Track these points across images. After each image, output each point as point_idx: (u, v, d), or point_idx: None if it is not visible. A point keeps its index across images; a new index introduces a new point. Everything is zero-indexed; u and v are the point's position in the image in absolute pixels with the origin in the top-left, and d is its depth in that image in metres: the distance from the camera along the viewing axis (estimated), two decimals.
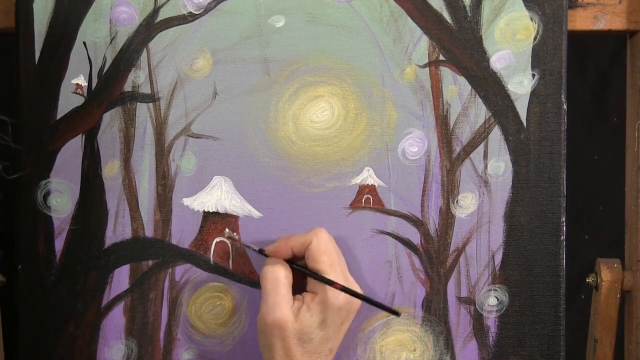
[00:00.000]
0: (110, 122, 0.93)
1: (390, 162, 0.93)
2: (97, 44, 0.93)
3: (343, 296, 0.84)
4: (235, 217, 0.94)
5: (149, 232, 0.94)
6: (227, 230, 0.92)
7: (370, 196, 0.93)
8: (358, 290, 0.87)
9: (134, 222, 0.94)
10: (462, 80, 0.93)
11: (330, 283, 0.84)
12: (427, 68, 0.93)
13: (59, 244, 0.93)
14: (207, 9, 0.93)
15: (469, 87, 0.92)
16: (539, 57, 0.92)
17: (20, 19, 0.92)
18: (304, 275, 0.87)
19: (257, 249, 0.90)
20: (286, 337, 0.83)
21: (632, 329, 0.95)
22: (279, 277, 0.85)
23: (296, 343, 0.84)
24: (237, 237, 0.92)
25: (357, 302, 0.87)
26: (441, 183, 0.93)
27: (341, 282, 0.85)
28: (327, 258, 0.85)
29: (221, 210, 0.93)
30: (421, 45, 0.93)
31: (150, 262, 0.94)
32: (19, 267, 0.93)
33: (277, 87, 0.93)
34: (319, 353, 0.84)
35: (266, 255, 0.89)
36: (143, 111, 0.94)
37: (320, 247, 0.86)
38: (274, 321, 0.83)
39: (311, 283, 0.87)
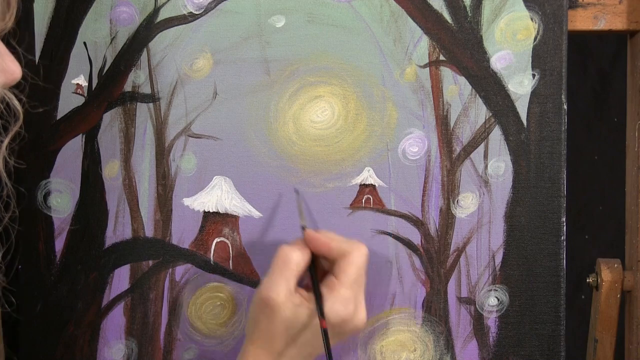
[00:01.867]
0: (111, 122, 0.93)
1: (391, 162, 0.93)
2: (98, 44, 0.93)
3: (343, 314, 0.81)
4: (235, 217, 0.94)
5: (149, 232, 0.94)
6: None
7: (370, 196, 0.93)
8: (362, 315, 0.83)
9: (134, 222, 0.94)
10: (462, 80, 0.93)
11: (320, 304, 0.81)
12: (428, 68, 0.93)
13: (59, 244, 0.93)
14: (208, 9, 0.93)
15: (470, 87, 0.92)
16: (540, 57, 0.92)
17: (21, 19, 0.92)
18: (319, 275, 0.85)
19: (302, 224, 0.87)
20: (273, 318, 0.81)
21: (633, 329, 0.95)
22: (291, 259, 0.82)
23: (281, 329, 0.81)
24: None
25: (358, 322, 0.83)
26: (441, 183, 0.93)
27: (352, 302, 0.82)
28: (355, 274, 0.82)
29: (221, 210, 0.93)
30: (421, 45, 0.93)
31: (151, 262, 0.94)
32: (19, 267, 0.93)
33: (277, 87, 0.93)
34: (298, 349, 0.82)
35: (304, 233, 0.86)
36: (143, 111, 0.94)
37: (355, 262, 0.83)
38: (266, 298, 0.81)
39: (323, 286, 0.84)
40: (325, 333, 0.79)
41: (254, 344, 0.82)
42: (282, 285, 0.81)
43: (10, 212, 0.83)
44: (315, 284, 0.83)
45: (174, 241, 0.94)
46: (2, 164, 0.72)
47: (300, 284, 0.85)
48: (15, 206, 0.83)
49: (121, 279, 0.94)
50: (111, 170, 0.94)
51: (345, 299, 0.82)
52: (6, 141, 0.72)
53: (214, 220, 0.93)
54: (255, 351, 0.82)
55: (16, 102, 0.72)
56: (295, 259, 0.82)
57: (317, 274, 0.84)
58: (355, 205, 0.93)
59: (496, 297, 0.93)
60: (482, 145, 0.93)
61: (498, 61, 0.92)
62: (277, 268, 0.82)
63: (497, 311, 0.93)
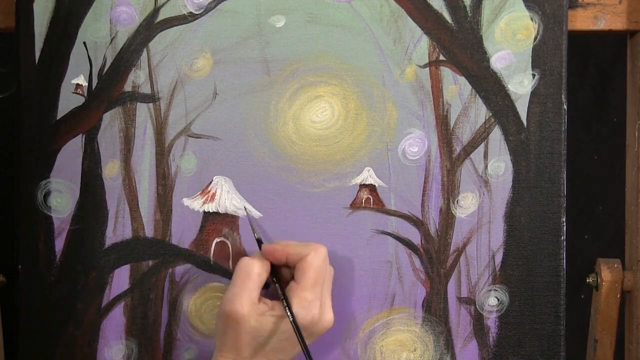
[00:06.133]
0: (111, 122, 0.93)
1: (391, 162, 0.93)
2: (97, 44, 0.93)
3: (307, 317, 0.83)
4: (235, 217, 0.93)
5: (149, 232, 0.94)
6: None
7: (370, 196, 0.93)
8: (329, 316, 0.85)
9: (134, 222, 0.94)
10: (462, 80, 0.93)
11: (287, 302, 0.83)
12: (428, 68, 0.93)
13: (59, 244, 0.93)
14: (207, 9, 0.93)
15: (469, 87, 0.92)
16: (539, 57, 0.92)
17: (20, 19, 0.92)
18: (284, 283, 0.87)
19: (257, 237, 0.89)
20: (239, 329, 0.83)
21: (632, 329, 0.95)
22: (251, 271, 0.84)
23: (247, 339, 0.83)
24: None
25: (325, 324, 0.85)
26: (441, 183, 0.93)
27: (316, 304, 0.84)
28: (314, 275, 0.84)
29: (221, 211, 0.93)
30: (421, 45, 0.93)
31: (151, 262, 0.94)
32: (19, 267, 0.93)
33: (277, 87, 0.93)
34: (267, 356, 0.84)
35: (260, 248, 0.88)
36: (143, 111, 0.94)
37: (313, 263, 0.84)
38: (230, 311, 0.83)
39: (289, 292, 0.85)
40: (301, 338, 0.81)
41: (222, 354, 0.84)
42: (245, 297, 0.83)
43: None
44: (281, 290, 0.85)
45: (174, 241, 0.94)
46: None
47: (265, 293, 0.87)
48: None
49: (121, 279, 0.94)
50: (111, 170, 0.94)
51: (307, 302, 0.84)
52: None
53: (213, 220, 0.93)
54: None
55: None
56: (257, 270, 0.85)
57: (281, 281, 0.86)
58: (355, 205, 0.93)
59: (496, 297, 0.93)
60: (482, 145, 0.93)
61: (498, 61, 0.92)
62: (239, 280, 0.84)
63: (497, 311, 0.93)
